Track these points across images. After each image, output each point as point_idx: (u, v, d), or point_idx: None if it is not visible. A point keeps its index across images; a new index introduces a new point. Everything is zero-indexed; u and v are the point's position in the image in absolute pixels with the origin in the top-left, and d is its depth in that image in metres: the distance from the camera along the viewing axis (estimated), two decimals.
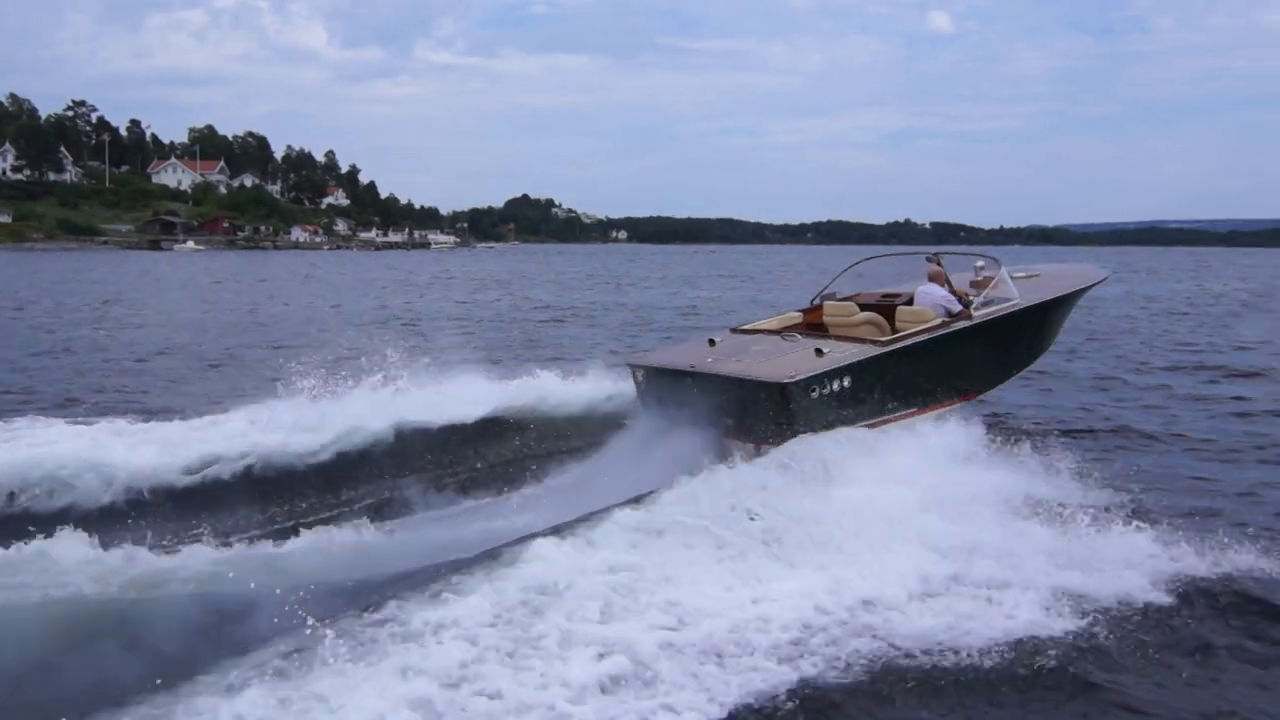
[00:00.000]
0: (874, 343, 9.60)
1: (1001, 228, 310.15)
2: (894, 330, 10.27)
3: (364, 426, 9.35)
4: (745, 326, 10.99)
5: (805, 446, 8.16)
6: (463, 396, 10.33)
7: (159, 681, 4.77)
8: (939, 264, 11.07)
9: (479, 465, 10.02)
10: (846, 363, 9.06)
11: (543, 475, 9.80)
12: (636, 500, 7.18)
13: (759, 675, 5.20)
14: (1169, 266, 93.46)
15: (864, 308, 11.00)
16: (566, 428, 10.64)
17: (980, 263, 12.05)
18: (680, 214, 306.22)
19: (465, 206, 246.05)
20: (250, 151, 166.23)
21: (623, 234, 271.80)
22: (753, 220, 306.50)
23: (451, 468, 9.87)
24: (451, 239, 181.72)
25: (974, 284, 11.34)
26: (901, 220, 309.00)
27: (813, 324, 11.06)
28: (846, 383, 8.99)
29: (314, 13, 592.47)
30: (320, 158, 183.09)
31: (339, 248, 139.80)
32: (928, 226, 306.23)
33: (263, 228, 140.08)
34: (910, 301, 10.87)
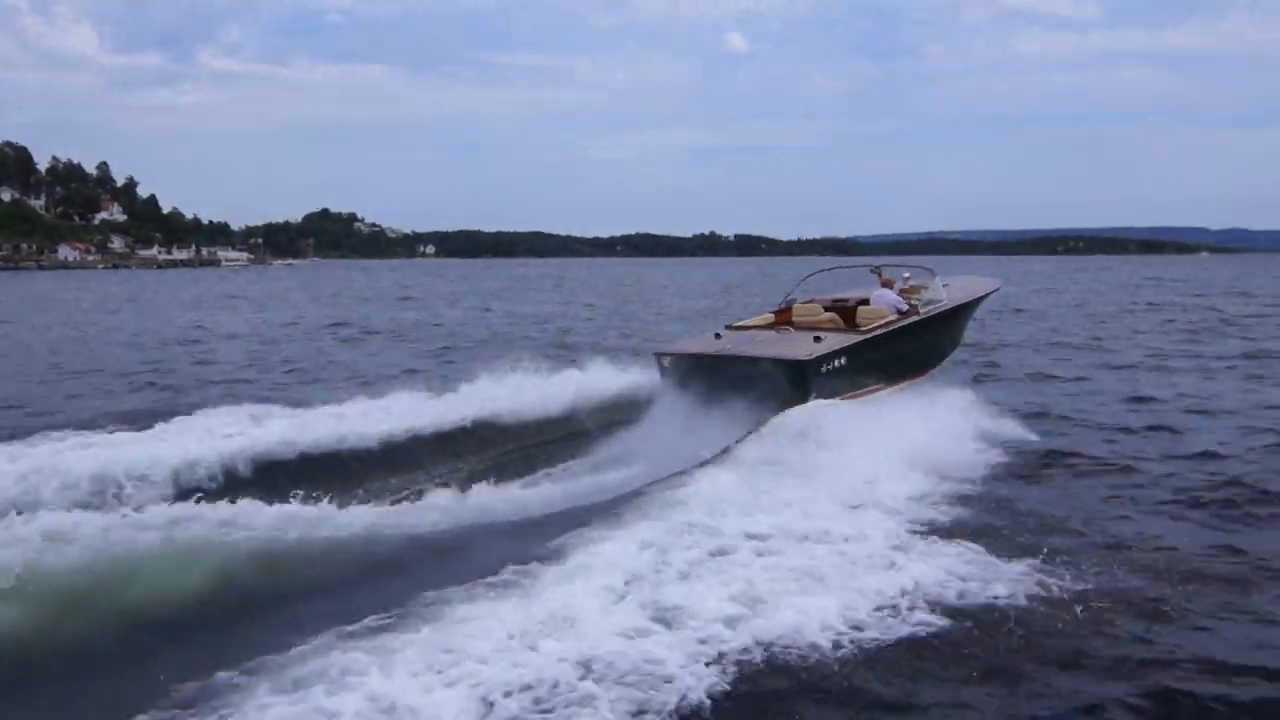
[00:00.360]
0: (857, 331, 11.99)
1: (799, 239, 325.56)
2: (854, 326, 12.41)
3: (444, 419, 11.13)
4: (735, 324, 13.02)
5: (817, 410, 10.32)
6: (514, 393, 12.15)
7: (335, 612, 5.69)
8: (879, 274, 13.62)
9: (538, 442, 11.67)
10: (842, 346, 11.29)
11: (595, 447, 11.36)
12: (724, 452, 9.31)
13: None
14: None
15: (824, 309, 13.29)
16: (604, 410, 12.36)
17: (907, 273, 14.62)
18: (490, 227, 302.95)
19: (259, 221, 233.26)
20: (8, 163, 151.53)
21: (430, 248, 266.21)
22: (563, 233, 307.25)
23: (520, 444, 11.53)
24: (244, 256, 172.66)
25: (903, 291, 13.65)
26: (707, 233, 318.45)
27: (784, 322, 13.04)
28: (843, 361, 11.19)
29: (80, 15, 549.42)
30: (92, 170, 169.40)
31: (116, 266, 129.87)
32: (732, 239, 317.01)
33: (24, 246, 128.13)
34: (866, 303, 13.07)
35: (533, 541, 6.94)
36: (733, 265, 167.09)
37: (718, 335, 12.22)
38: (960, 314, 14.05)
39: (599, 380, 12.99)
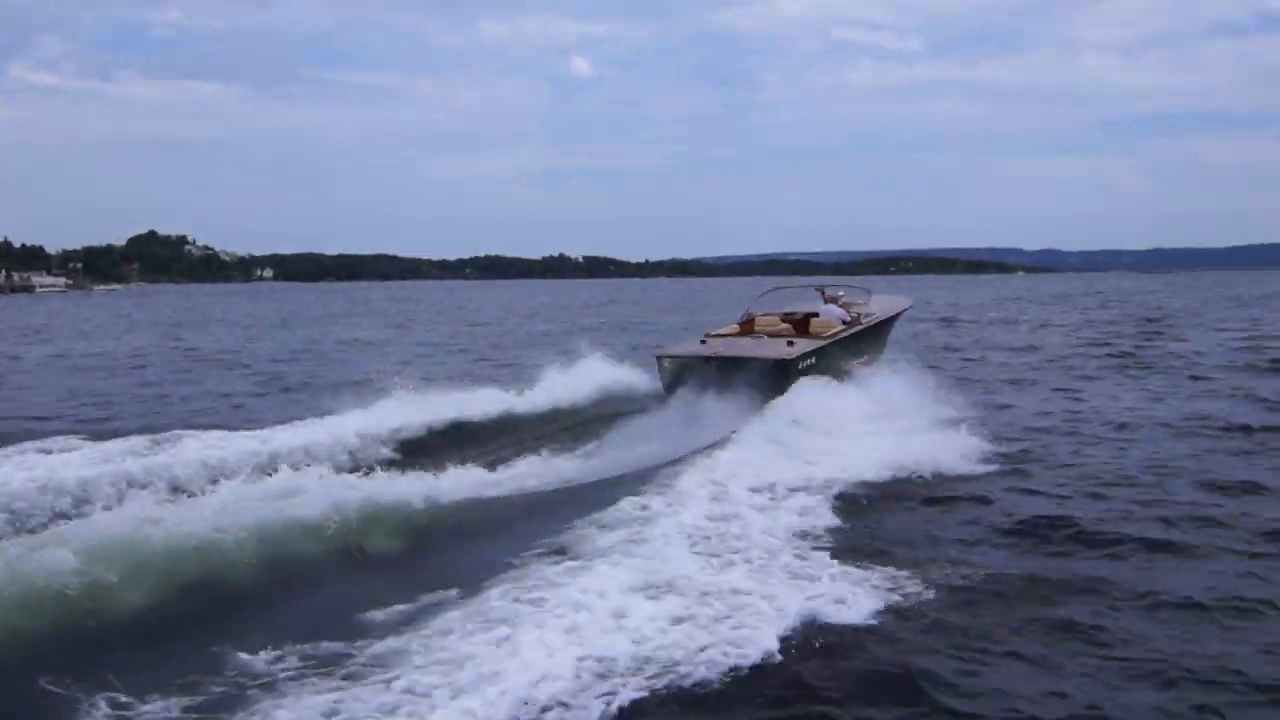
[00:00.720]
0: (819, 337, 14.60)
1: (647, 261, 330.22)
2: (809, 334, 15.03)
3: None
4: (714, 333, 15.54)
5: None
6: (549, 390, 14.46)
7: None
8: (823, 292, 16.76)
9: (564, 427, 13.58)
10: (811, 348, 13.92)
11: (615, 431, 13.15)
12: (728, 436, 11.22)
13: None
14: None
15: (804, 320, 15.82)
16: (615, 402, 14.73)
17: (841, 291, 17.34)
18: (332, 250, 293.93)
19: (79, 245, 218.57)
20: None
21: (268, 272, 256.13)
22: (410, 256, 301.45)
23: (550, 429, 13.47)
24: (62, 281, 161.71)
25: (841, 304, 16.39)
26: (556, 255, 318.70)
27: (749, 331, 15.53)
28: (812, 360, 13.69)
29: None
30: None
31: None
32: (581, 260, 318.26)
33: None
34: (815, 315, 15.81)
35: (597, 505, 8.58)
36: (582, 287, 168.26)
37: (703, 341, 14.69)
38: (888, 325, 17.57)
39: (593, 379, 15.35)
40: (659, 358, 14.36)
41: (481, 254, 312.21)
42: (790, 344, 13.97)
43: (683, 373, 13.74)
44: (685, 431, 11.84)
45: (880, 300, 17.97)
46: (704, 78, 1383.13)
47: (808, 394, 12.83)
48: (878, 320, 16.71)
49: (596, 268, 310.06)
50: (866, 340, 15.95)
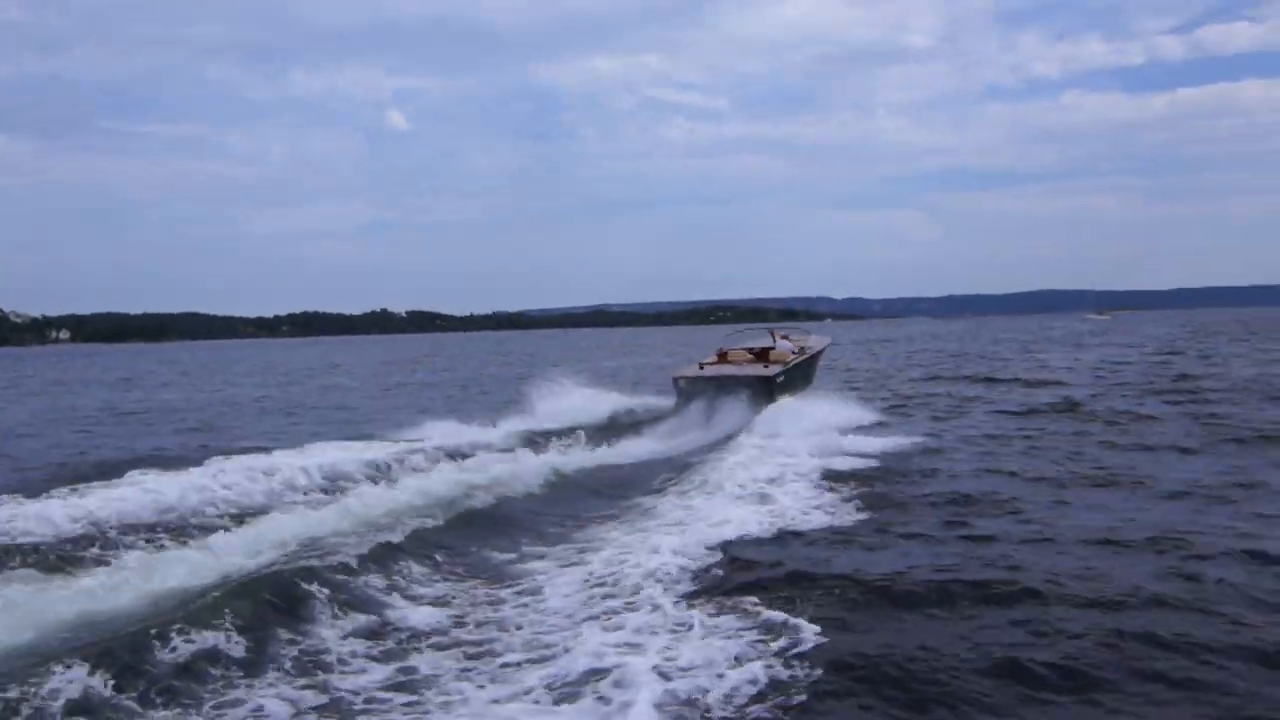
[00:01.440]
0: (782, 363, 19.76)
1: (472, 314, 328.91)
2: (769, 363, 19.99)
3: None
4: (704, 362, 20.37)
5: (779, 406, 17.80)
6: (581, 406, 19.91)
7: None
8: (773, 334, 22.60)
9: (614, 426, 18.99)
10: (781, 370, 19.26)
11: (651, 432, 18.22)
12: (737, 431, 16.53)
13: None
14: (616, 342, 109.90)
15: (764, 355, 20.74)
16: (636, 417, 19.79)
17: (783, 331, 23.49)
18: (135, 309, 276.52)
19: None
20: None
21: (64, 334, 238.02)
22: (222, 314, 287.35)
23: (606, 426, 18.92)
24: None
25: (790, 340, 22.45)
26: (379, 310, 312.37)
27: (725, 361, 20.61)
28: (782, 379, 18.83)
29: None
30: None
31: None
32: (405, 315, 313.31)
33: None
34: (771, 349, 21.06)
35: (665, 474, 13.98)
36: (406, 342, 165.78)
37: (701, 367, 20.04)
38: (820, 355, 23.40)
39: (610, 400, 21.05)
40: (675, 379, 19.91)
41: (299, 310, 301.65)
42: (766, 367, 19.59)
43: (692, 389, 19.08)
44: (703, 429, 17.49)
45: (812, 339, 24.04)
46: (523, 132, 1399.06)
47: (790, 402, 18.24)
48: (815, 351, 22.82)
49: (422, 322, 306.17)
50: (812, 365, 22.22)
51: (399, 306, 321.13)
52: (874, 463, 13.70)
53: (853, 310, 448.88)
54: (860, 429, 16.48)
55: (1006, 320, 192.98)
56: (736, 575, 8.30)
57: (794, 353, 21.12)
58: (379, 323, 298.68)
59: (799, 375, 20.27)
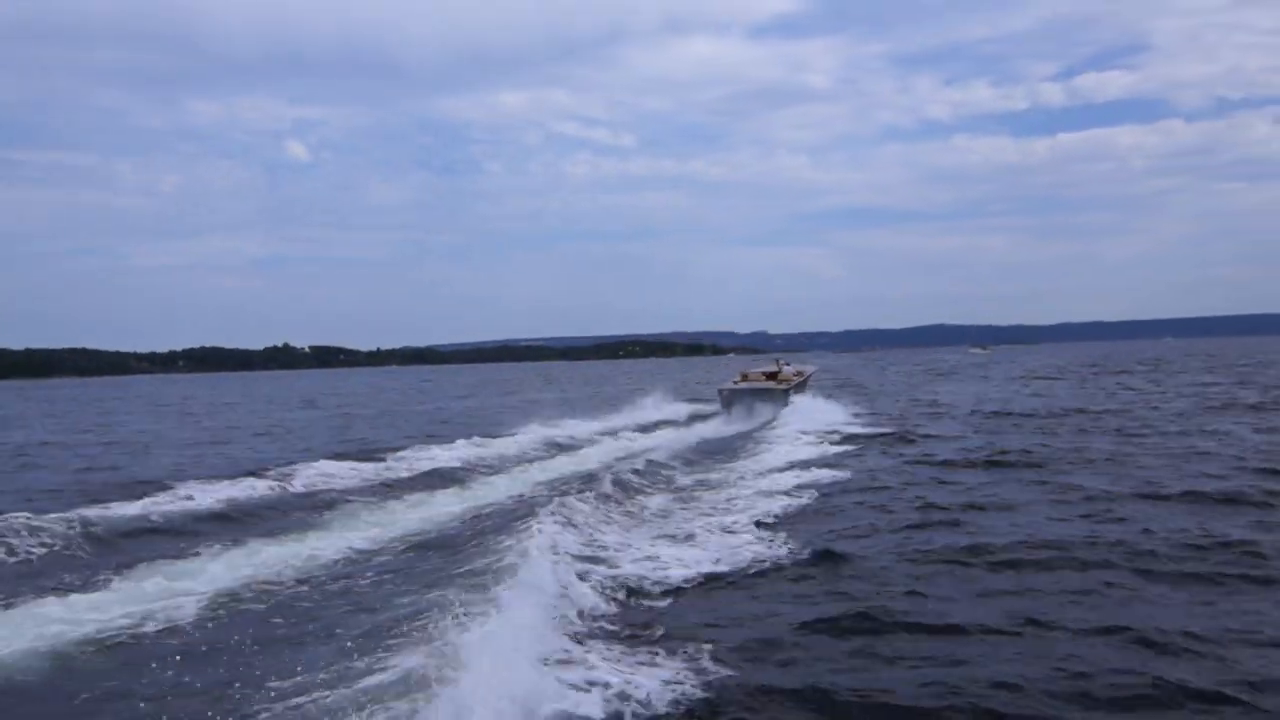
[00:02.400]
0: (789, 381, 32.47)
1: (379, 349, 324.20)
2: (780, 381, 32.52)
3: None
4: (735, 380, 32.81)
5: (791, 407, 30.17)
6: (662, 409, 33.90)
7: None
8: (778, 361, 39.10)
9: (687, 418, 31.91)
10: (790, 385, 31.93)
11: (706, 425, 29.59)
12: (766, 423, 27.78)
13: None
14: (524, 375, 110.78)
15: (775, 375, 33.22)
16: (703, 414, 32.53)
17: (787, 360, 41.77)
18: (19, 344, 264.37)
19: None
20: None
21: None
22: (113, 349, 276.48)
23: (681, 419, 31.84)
24: None
25: (791, 366, 37.90)
26: (280, 345, 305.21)
27: (746, 380, 32.43)
28: (792, 391, 30.88)
29: None
30: None
31: None
32: (308, 350, 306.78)
33: None
34: (778, 372, 34.06)
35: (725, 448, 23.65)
36: (306, 378, 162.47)
37: (736, 383, 32.00)
38: (811, 376, 36.70)
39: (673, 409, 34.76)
40: (720, 391, 32.74)
41: (196, 345, 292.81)
42: (780, 383, 32.42)
43: (733, 398, 31.21)
44: (746, 421, 28.51)
45: (807, 367, 40.91)
46: (428, 165, 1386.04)
47: (804, 403, 30.86)
48: (809, 374, 38.07)
49: (326, 357, 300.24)
50: (805, 382, 35.04)
51: (301, 341, 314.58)
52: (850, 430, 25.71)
53: (756, 344, 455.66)
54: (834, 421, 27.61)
55: (903, 353, 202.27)
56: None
57: (795, 374, 35.26)
58: (279, 358, 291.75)
59: (801, 387, 33.88)
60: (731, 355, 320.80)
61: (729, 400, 31.00)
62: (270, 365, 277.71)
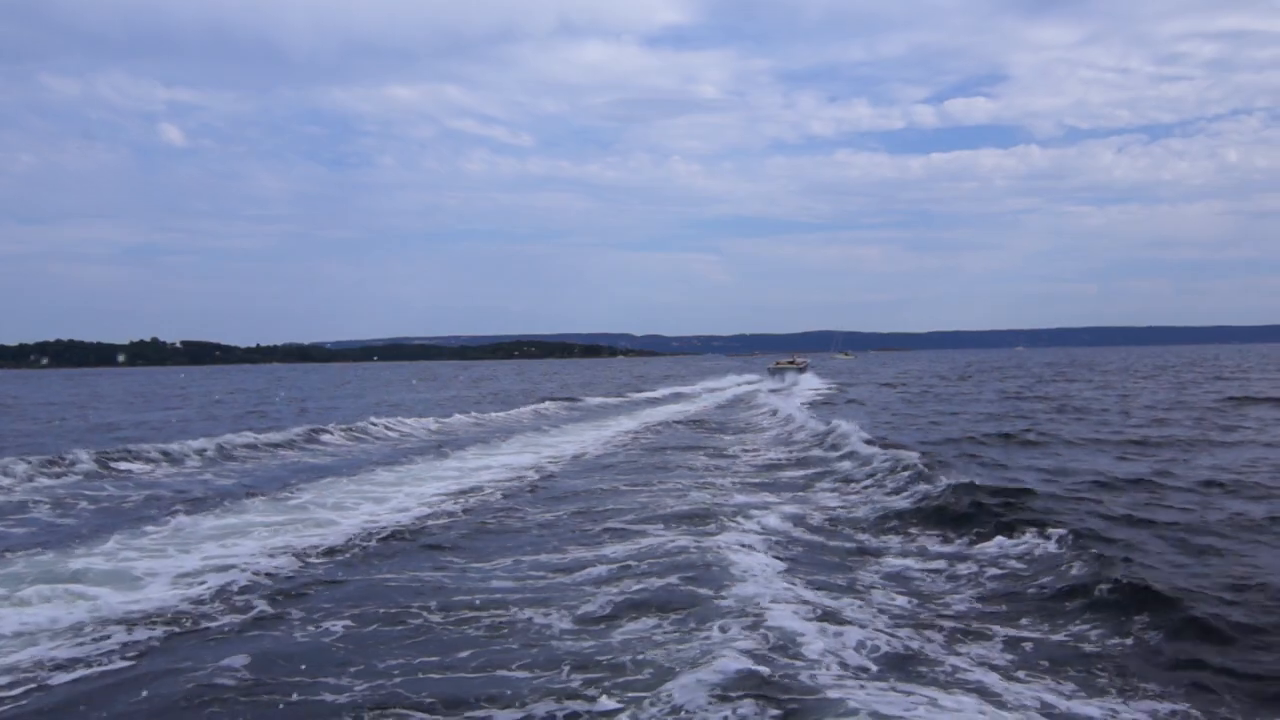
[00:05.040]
0: (801, 366, 73.33)
1: (259, 346, 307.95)
2: (797, 366, 73.35)
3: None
4: (773, 364, 76.71)
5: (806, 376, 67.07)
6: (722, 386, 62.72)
7: None
8: (794, 356, 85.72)
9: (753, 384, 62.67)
10: (805, 366, 74.83)
11: (766, 382, 62.46)
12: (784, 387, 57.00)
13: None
14: (436, 373, 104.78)
15: (793, 362, 75.47)
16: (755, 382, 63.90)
17: (802, 355, 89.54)
18: None
19: None
20: None
21: None
22: None
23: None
24: None
25: (803, 357, 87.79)
26: (149, 339, 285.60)
27: (781, 365, 73.32)
28: (805, 369, 71.96)
29: None
30: None
31: None
32: (179, 346, 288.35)
33: None
34: (795, 360, 78.48)
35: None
36: (175, 374, 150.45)
37: (778, 364, 73.73)
38: (809, 365, 78.57)
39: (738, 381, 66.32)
40: (768, 368, 72.21)
41: (52, 339, 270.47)
42: (795, 366, 71.00)
43: (776, 371, 69.17)
44: (780, 383, 58.99)
45: (808, 359, 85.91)
46: (315, 157, 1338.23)
47: (804, 377, 64.62)
48: (808, 364, 77.58)
49: (200, 353, 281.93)
50: (806, 367, 73.05)
51: (172, 336, 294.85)
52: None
53: (652, 347, 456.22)
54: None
55: (786, 356, 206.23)
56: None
57: (803, 362, 74.97)
58: (147, 353, 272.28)
59: (804, 369, 70.40)
60: (620, 358, 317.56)
61: (773, 372, 69.15)
62: (136, 361, 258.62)
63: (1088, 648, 7.25)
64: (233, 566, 10.03)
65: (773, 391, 48.91)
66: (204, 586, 9.30)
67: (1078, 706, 6.05)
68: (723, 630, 7.23)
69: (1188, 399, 35.13)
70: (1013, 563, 9.83)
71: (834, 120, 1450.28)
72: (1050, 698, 6.18)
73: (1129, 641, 7.31)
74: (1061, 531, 10.40)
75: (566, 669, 6.74)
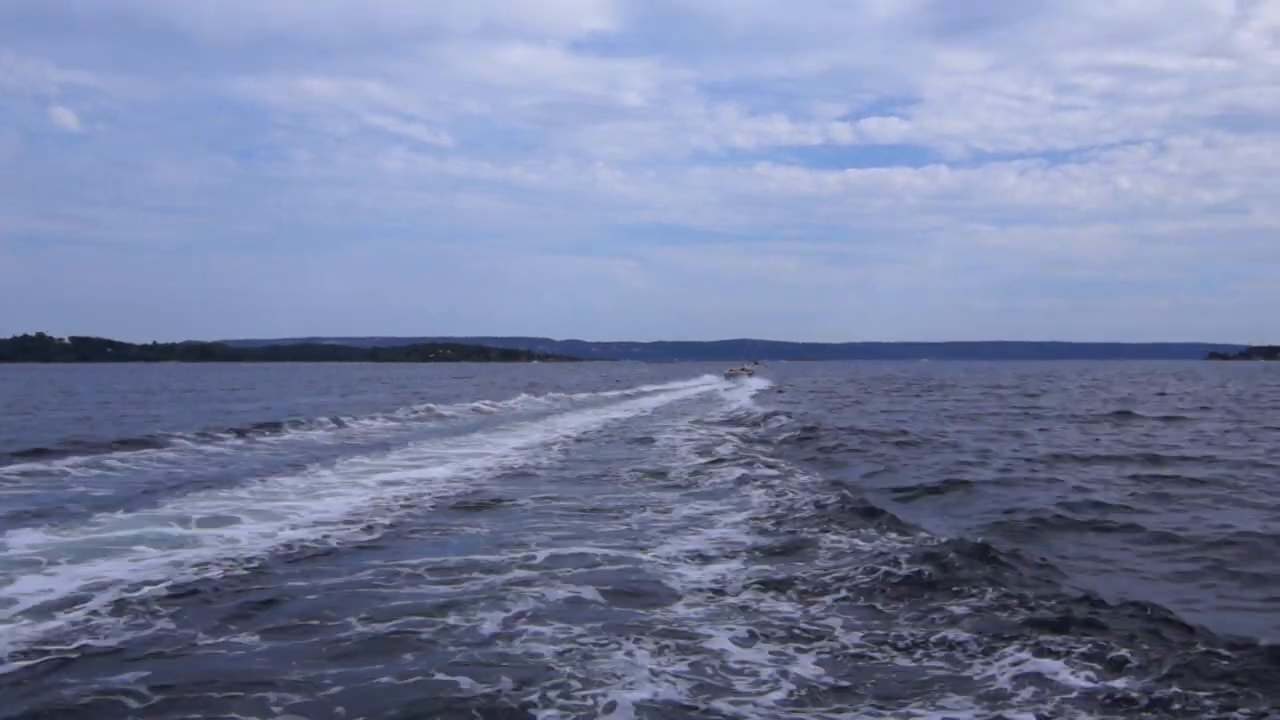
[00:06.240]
0: (750, 370, 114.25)
1: (155, 343, 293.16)
2: (748, 369, 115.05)
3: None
4: (730, 369, 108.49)
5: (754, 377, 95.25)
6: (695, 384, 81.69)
7: None
8: (746, 363, 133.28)
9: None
10: (756, 370, 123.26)
11: (722, 384, 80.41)
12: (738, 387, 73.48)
13: None
14: (326, 377, 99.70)
15: (744, 369, 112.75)
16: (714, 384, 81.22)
17: (755, 360, 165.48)
18: None
19: None
20: None
21: None
22: None
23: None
24: None
25: (757, 363, 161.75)
26: (34, 334, 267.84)
27: (735, 371, 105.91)
28: (754, 372, 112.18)
29: None
30: None
31: None
32: (67, 341, 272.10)
33: None
34: (747, 365, 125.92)
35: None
36: (63, 373, 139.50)
37: (732, 371, 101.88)
38: (758, 368, 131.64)
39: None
40: (726, 373, 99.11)
41: None
42: (747, 371, 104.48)
43: (732, 374, 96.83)
44: (735, 384, 78.09)
45: (755, 366, 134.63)
46: (222, 148, 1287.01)
47: (757, 378, 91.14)
48: (756, 369, 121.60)
49: (90, 350, 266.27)
50: (755, 371, 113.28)
51: (60, 332, 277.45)
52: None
53: (572, 352, 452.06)
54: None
55: (701, 364, 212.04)
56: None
57: (753, 367, 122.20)
58: (32, 348, 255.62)
59: (753, 373, 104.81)
60: (536, 362, 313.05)
61: (729, 375, 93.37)
62: (21, 357, 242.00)
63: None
64: (118, 583, 9.26)
65: (727, 390, 68.85)
66: (90, 603, 8.53)
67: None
68: (655, 643, 7.45)
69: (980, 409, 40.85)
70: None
71: (755, 134, 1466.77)
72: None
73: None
74: None
75: (500, 679, 6.51)
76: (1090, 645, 7.00)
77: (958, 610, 8.20)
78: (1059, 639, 7.16)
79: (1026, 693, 6.37)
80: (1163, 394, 53.26)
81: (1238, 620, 8.21)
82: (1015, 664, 6.84)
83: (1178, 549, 11.20)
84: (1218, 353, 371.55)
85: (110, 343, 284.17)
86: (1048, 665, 6.74)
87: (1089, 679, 6.49)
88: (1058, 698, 6.26)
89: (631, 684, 6.48)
